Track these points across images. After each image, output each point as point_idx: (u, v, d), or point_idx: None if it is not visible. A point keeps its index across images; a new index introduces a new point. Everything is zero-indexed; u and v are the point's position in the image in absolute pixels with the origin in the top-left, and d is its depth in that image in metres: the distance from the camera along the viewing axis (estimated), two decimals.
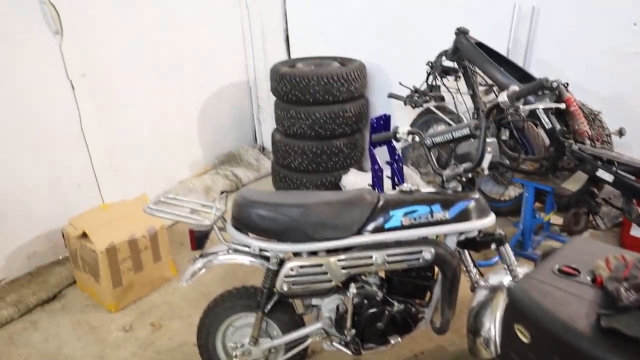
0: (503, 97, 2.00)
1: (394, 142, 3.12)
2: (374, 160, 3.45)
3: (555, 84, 3.01)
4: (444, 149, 3.64)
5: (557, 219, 3.81)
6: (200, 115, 4.81)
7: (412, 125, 4.29)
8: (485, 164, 2.11)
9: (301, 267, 2.17)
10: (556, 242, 3.68)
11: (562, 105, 2.83)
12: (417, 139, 2.30)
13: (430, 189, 2.25)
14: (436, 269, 2.26)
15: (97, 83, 3.75)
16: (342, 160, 4.27)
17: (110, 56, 3.86)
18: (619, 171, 2.93)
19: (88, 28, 3.65)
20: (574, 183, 3.29)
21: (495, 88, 3.57)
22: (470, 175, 2.13)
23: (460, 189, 2.17)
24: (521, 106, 2.05)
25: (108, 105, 3.89)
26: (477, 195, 2.17)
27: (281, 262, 2.21)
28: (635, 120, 3.57)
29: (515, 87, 2.00)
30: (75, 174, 3.73)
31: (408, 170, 4.19)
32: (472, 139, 2.19)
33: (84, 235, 3.14)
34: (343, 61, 4.43)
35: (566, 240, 3.65)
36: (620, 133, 3.20)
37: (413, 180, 4.14)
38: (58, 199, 3.63)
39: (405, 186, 2.24)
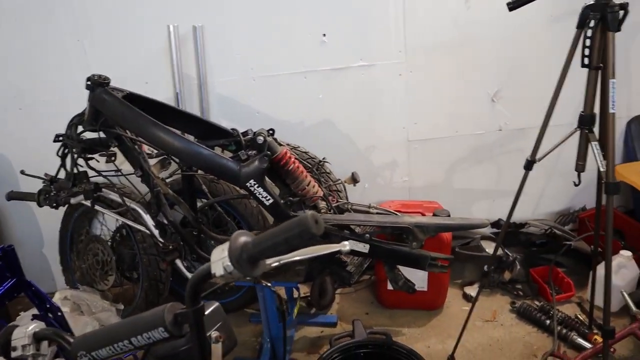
0: (219, 267, 0.89)
1: None
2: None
3: (261, 139, 2.05)
4: None
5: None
6: None
7: (65, 220, 2.86)
8: None
9: None
10: (310, 326, 2.78)
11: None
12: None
13: None
14: None
15: None
16: None
17: None
18: (373, 238, 2.14)
19: None
20: None
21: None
22: None
23: None
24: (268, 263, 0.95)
25: None
26: None
27: None
28: (347, 146, 2.92)
29: (245, 238, 0.89)
30: None
31: (81, 295, 2.76)
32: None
33: None
34: None
35: (320, 320, 2.78)
36: (354, 180, 2.42)
37: (92, 305, 2.73)
38: None
39: None
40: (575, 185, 2.05)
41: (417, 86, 2.83)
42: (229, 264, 0.87)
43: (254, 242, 0.87)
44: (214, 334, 1.12)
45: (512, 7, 1.91)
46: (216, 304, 1.27)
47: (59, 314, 2.09)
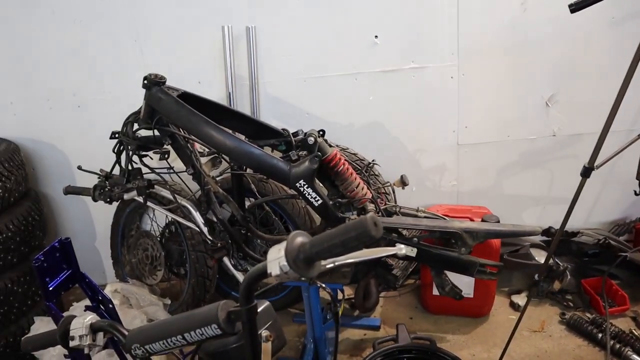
0: (276, 267, 0.89)
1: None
2: (58, 319, 1.98)
3: (312, 140, 2.06)
4: None
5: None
6: None
7: (117, 215, 2.93)
8: None
9: None
10: (353, 328, 2.76)
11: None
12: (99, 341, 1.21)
13: None
14: None
15: None
16: (19, 305, 2.64)
17: None
18: (421, 242, 2.12)
19: None
20: None
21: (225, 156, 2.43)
22: None
23: None
24: (323, 264, 0.97)
25: None
26: None
27: None
28: (396, 149, 2.90)
29: (302, 238, 0.88)
30: None
31: (130, 288, 2.82)
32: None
33: None
34: None
35: (363, 323, 2.77)
36: (403, 182, 2.39)
37: (141, 299, 2.80)
38: None
39: None
40: (636, 194, 1.97)
41: (469, 89, 2.78)
42: (286, 263, 0.87)
43: (311, 243, 0.86)
44: (264, 332, 1.12)
45: (574, 8, 1.85)
46: (267, 302, 1.27)
47: (110, 306, 2.13)
